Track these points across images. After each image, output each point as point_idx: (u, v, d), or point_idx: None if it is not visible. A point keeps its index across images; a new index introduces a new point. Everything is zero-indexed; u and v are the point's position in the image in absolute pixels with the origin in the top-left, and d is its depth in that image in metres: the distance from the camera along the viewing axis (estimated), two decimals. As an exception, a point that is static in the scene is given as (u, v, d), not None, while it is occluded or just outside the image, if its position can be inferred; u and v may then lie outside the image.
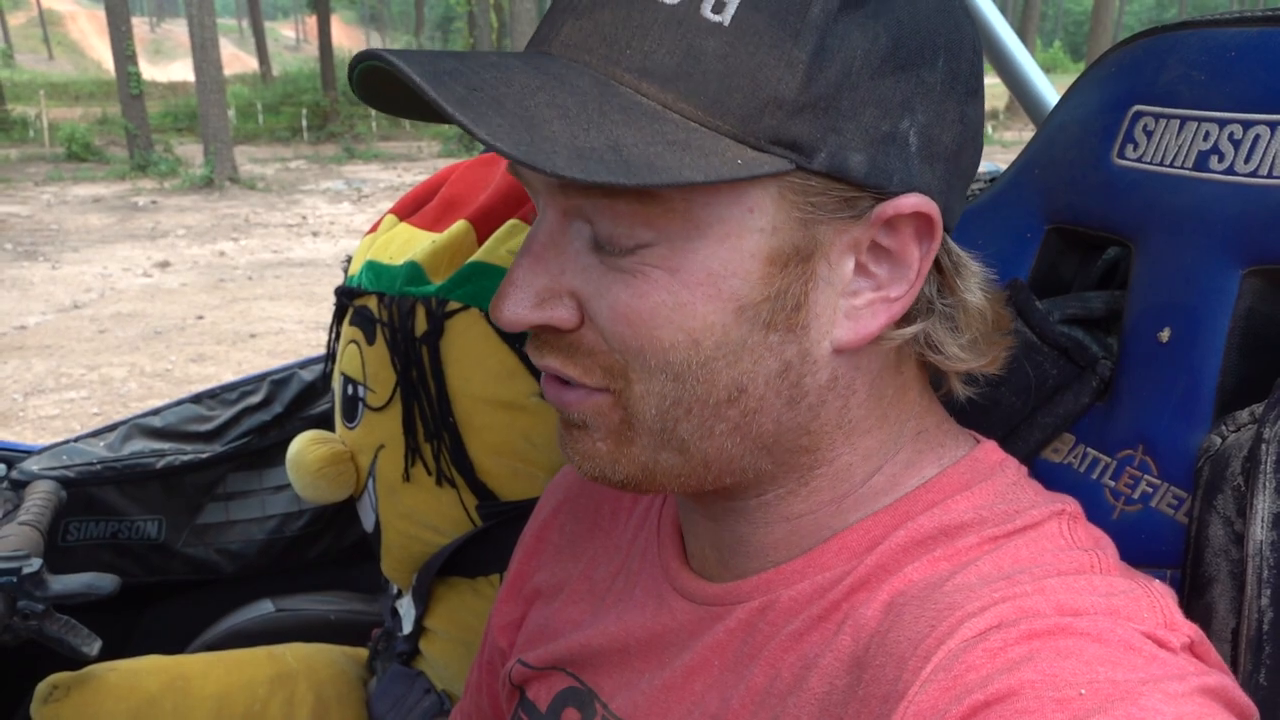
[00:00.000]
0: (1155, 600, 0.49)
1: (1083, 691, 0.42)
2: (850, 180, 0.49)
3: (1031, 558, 0.51)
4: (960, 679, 0.45)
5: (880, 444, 0.57)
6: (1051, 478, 0.69)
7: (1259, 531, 0.54)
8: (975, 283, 0.56)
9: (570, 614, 0.71)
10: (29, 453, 1.44)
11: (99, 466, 1.45)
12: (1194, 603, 0.59)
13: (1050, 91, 1.13)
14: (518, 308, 0.53)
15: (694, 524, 0.63)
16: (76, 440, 1.49)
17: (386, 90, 0.52)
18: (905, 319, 0.54)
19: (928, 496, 0.56)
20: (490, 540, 1.16)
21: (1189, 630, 0.48)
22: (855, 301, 0.52)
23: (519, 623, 0.78)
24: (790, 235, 0.50)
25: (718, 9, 0.48)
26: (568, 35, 0.51)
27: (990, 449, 0.59)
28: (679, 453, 0.54)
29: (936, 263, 0.54)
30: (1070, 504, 0.56)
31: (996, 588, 0.49)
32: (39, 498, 1.29)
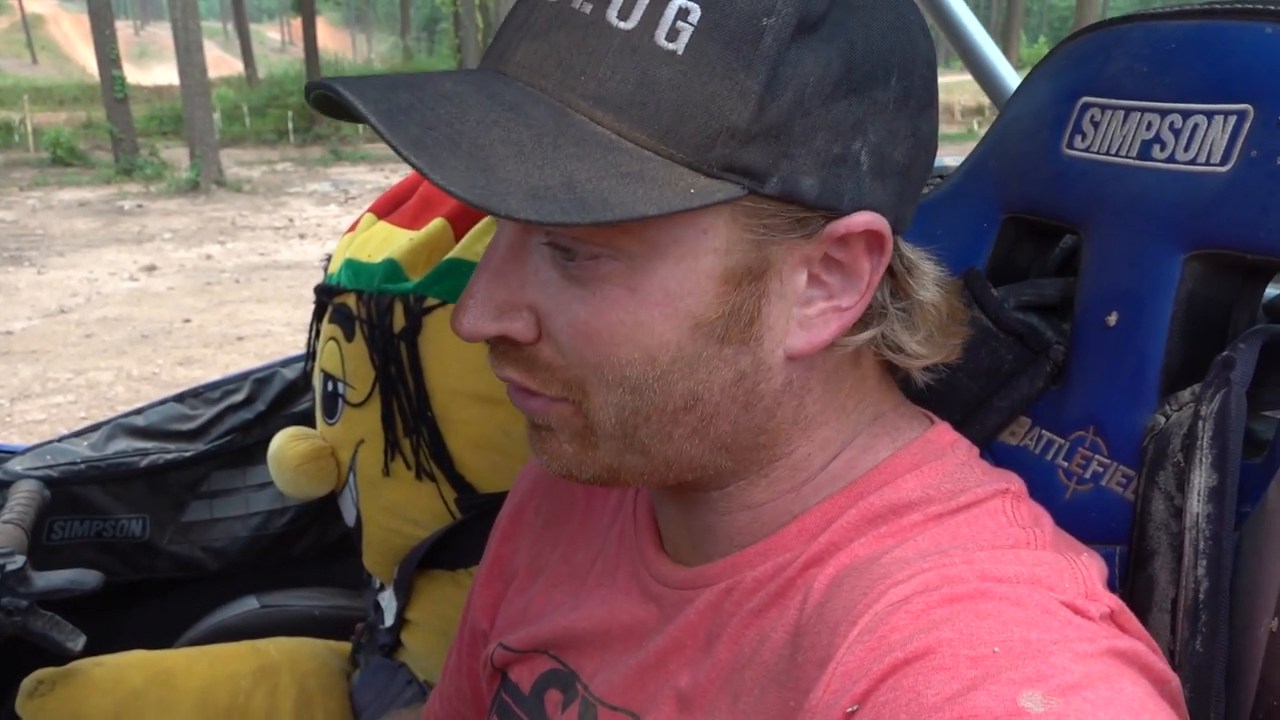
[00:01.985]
0: (1078, 572, 0.51)
1: (996, 649, 0.44)
2: (802, 203, 0.50)
3: (970, 535, 0.53)
4: (884, 639, 0.47)
5: (836, 432, 0.59)
6: (1009, 460, 0.71)
7: (1195, 505, 0.56)
8: (929, 280, 0.58)
9: (551, 597, 0.72)
10: (13, 453, 1.45)
11: (83, 466, 1.46)
12: (1138, 575, 0.61)
13: (1014, 79, 1.15)
14: (477, 320, 0.54)
15: (666, 512, 0.65)
16: (60, 440, 1.50)
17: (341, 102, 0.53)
18: (859, 324, 0.55)
19: (880, 477, 0.58)
20: (470, 532, 1.17)
21: (1109, 601, 0.50)
22: (808, 311, 0.54)
23: (498, 604, 0.79)
24: (743, 255, 0.51)
25: (671, 37, 0.48)
26: (524, 57, 0.51)
27: (943, 430, 0.61)
28: (641, 455, 0.56)
29: (889, 268, 0.55)
30: (1015, 483, 0.58)
31: (929, 560, 0.51)
32: (23, 497, 1.29)
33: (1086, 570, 0.51)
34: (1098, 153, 0.69)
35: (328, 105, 0.52)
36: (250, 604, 1.55)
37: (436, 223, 1.17)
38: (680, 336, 0.52)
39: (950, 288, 0.60)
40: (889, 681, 0.45)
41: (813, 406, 0.57)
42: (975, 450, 0.61)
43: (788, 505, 0.59)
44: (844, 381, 0.58)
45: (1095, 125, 0.69)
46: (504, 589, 0.79)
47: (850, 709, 0.46)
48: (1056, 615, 0.47)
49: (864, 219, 0.52)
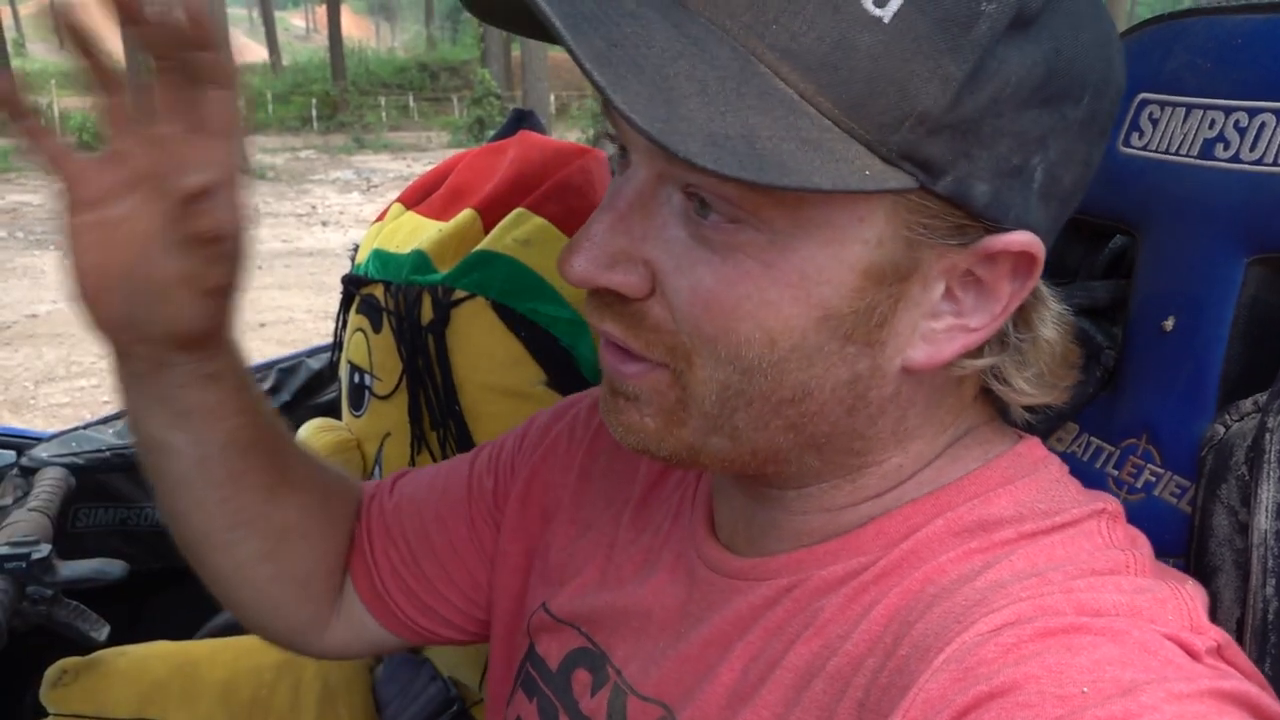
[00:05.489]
0: (1183, 602, 0.48)
1: (1085, 690, 0.41)
2: (969, 209, 0.47)
3: (1066, 555, 0.50)
4: (971, 671, 0.44)
5: (930, 445, 0.56)
6: (1055, 467, 0.69)
7: (1264, 521, 0.54)
8: (1050, 317, 0.54)
9: (593, 561, 0.70)
10: (38, 439, 1.45)
11: (108, 453, 1.45)
12: (1196, 592, 0.59)
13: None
14: (589, 265, 0.50)
15: (729, 498, 0.62)
16: (86, 427, 1.49)
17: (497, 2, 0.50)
18: (978, 350, 0.52)
19: (970, 488, 0.54)
20: (496, 528, 1.16)
21: (1215, 635, 0.47)
22: (935, 324, 0.50)
23: (530, 529, 0.75)
24: (893, 252, 0.48)
25: (881, 2, 0.43)
26: None
27: (1033, 445, 0.58)
28: (730, 439, 0.53)
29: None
30: (1111, 503, 0.54)
31: (1026, 585, 0.48)
32: (48, 484, 1.29)
33: (1191, 600, 0.48)
34: (1156, 151, 0.66)
35: (483, 6, 0.48)
36: (273, 594, 1.54)
37: (465, 214, 1.15)
38: (806, 324, 0.48)
39: (1068, 329, 0.56)
40: (971, 715, 0.43)
41: (914, 420, 0.54)
42: (1066, 467, 0.58)
43: (867, 510, 0.56)
44: (946, 398, 0.55)
45: (1154, 123, 0.67)
46: (540, 522, 0.75)
47: None
48: (1156, 653, 0.44)
49: (1023, 239, 0.48)
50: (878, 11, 0.43)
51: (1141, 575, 0.49)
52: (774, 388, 0.50)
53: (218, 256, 0.60)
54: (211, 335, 0.64)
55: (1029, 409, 0.56)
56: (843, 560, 0.55)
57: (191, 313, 0.61)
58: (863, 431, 0.53)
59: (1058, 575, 0.48)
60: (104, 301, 0.61)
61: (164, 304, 0.60)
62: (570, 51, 0.41)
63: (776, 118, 0.43)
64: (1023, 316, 0.53)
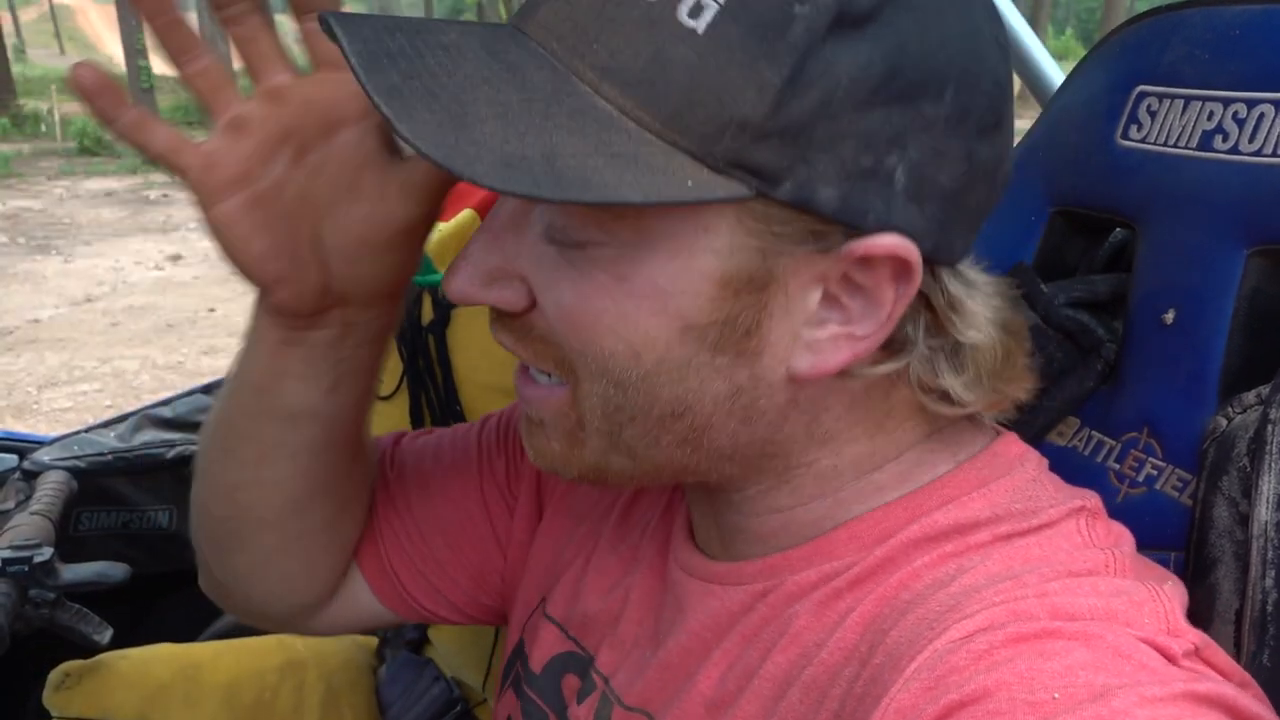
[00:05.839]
0: (1160, 605, 0.47)
1: (1056, 695, 0.41)
2: (817, 214, 0.46)
3: (1043, 557, 0.49)
4: (942, 679, 0.44)
5: (872, 448, 0.54)
6: (1056, 461, 0.68)
7: (1264, 512, 0.54)
8: (981, 321, 0.51)
9: (583, 561, 0.69)
10: (40, 443, 1.45)
11: (110, 457, 1.45)
12: (1197, 584, 0.58)
13: (1056, 74, 1.13)
14: (466, 284, 0.51)
15: (698, 507, 0.62)
16: (87, 431, 1.49)
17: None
18: (883, 356, 0.51)
19: (944, 491, 0.54)
20: (498, 528, 1.16)
21: (1194, 637, 0.46)
22: (818, 333, 0.49)
23: (522, 498, 0.74)
24: (746, 261, 0.47)
25: (694, 13, 0.44)
26: (545, 15, 0.47)
27: (1010, 441, 0.57)
28: (628, 457, 0.53)
29: (927, 301, 0.50)
30: (1091, 499, 0.54)
31: (1000, 589, 0.47)
32: (50, 488, 1.29)
33: (1169, 602, 0.47)
34: (1155, 143, 0.66)
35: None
36: (276, 597, 1.54)
37: (465, 214, 1.15)
38: (668, 336, 0.48)
39: (1008, 329, 0.53)
40: None
41: (832, 424, 0.53)
42: (1045, 462, 0.57)
43: (827, 510, 0.55)
44: (874, 407, 0.53)
45: (1152, 115, 0.67)
46: (540, 506, 0.74)
47: None
48: (1130, 657, 0.43)
49: (888, 242, 0.46)
50: (691, 23, 0.44)
51: (1120, 576, 0.49)
52: (650, 402, 0.50)
53: (405, 189, 0.56)
54: (404, 281, 0.61)
55: (1018, 407, 0.55)
56: (816, 564, 0.54)
57: (393, 259, 0.58)
58: (770, 437, 0.53)
59: (1033, 578, 0.47)
60: (295, 279, 0.56)
61: (364, 258, 0.57)
62: (363, 88, 0.42)
63: (586, 136, 0.44)
64: (937, 322, 0.51)
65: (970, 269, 0.52)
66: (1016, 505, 0.52)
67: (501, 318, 0.53)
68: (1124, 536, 0.53)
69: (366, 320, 0.61)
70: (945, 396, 0.52)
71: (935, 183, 0.47)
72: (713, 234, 0.47)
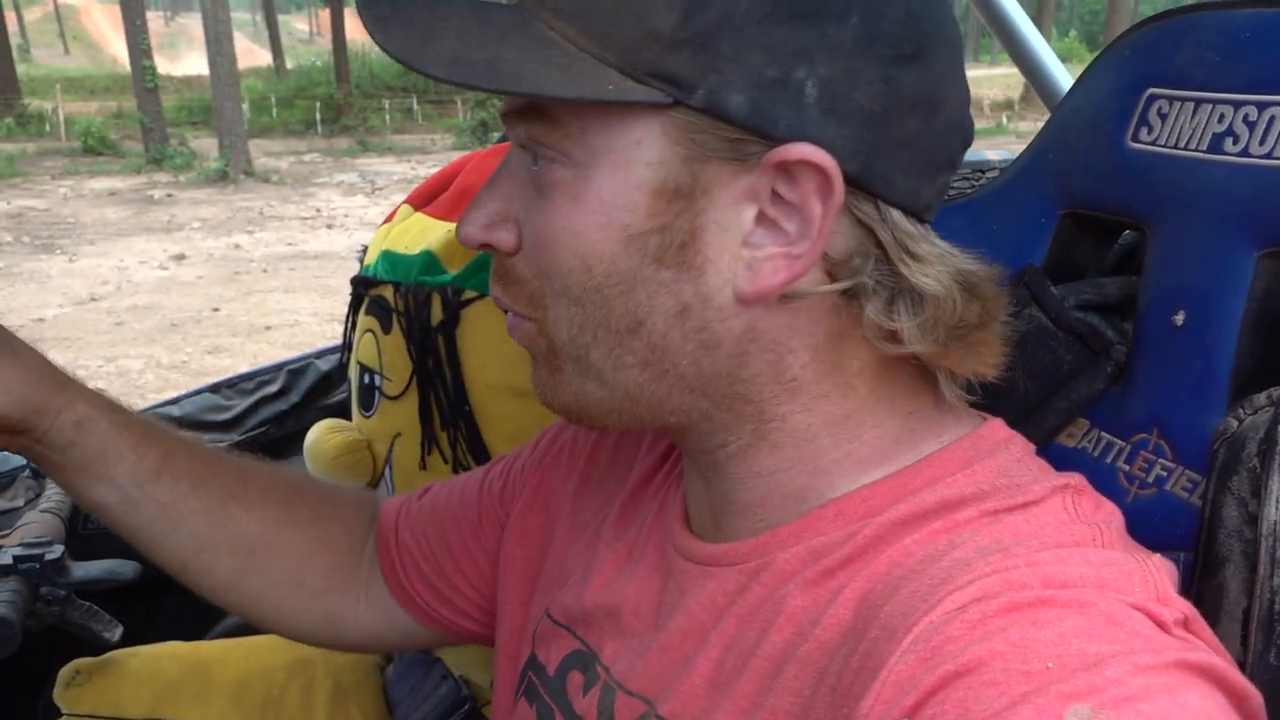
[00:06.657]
0: (1149, 574, 0.48)
1: (1049, 665, 0.42)
2: (730, 120, 0.50)
3: (1031, 530, 0.51)
4: (938, 650, 0.45)
5: (848, 413, 0.56)
6: (1066, 463, 0.68)
7: (1273, 512, 0.55)
8: (936, 271, 0.52)
9: (585, 562, 0.71)
10: (49, 442, 1.45)
11: (118, 455, 1.46)
12: (1205, 583, 0.59)
13: (1065, 77, 1.13)
14: (471, 226, 0.57)
15: (692, 484, 0.64)
16: (96, 429, 1.50)
17: None
18: (827, 280, 0.53)
19: (928, 471, 0.55)
20: (506, 527, 1.16)
21: (1183, 607, 0.47)
22: (757, 253, 0.52)
23: (537, 536, 0.78)
24: (674, 170, 0.51)
25: None
26: None
27: (996, 426, 0.58)
28: (599, 383, 0.56)
29: (874, 237, 0.52)
30: (1075, 479, 0.55)
31: (991, 561, 0.48)
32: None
33: (1158, 573, 0.49)
34: (1165, 146, 0.67)
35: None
36: (284, 595, 1.54)
37: (473, 214, 1.16)
38: (614, 249, 0.53)
39: (983, 297, 0.54)
40: (939, 695, 0.43)
41: (800, 371, 0.55)
42: (1031, 447, 0.58)
43: (809, 482, 0.57)
44: (843, 358, 0.55)
45: (1162, 117, 0.67)
46: (546, 529, 0.77)
47: None
48: (1123, 624, 0.44)
49: (802, 150, 0.50)
50: None
51: (1110, 548, 0.50)
52: (605, 315, 0.54)
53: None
54: (39, 398, 0.72)
55: (992, 392, 0.57)
56: (805, 540, 0.56)
57: None
58: (735, 372, 0.55)
59: (1022, 550, 0.49)
60: None
61: None
62: (361, 16, 0.51)
63: (531, 51, 0.51)
64: (884, 255, 0.52)
65: (941, 240, 0.54)
66: (1002, 483, 0.54)
67: (496, 270, 0.59)
68: (1109, 509, 0.54)
69: (43, 429, 0.73)
70: (895, 337, 0.53)
71: (850, 100, 0.50)
72: (644, 146, 0.51)
